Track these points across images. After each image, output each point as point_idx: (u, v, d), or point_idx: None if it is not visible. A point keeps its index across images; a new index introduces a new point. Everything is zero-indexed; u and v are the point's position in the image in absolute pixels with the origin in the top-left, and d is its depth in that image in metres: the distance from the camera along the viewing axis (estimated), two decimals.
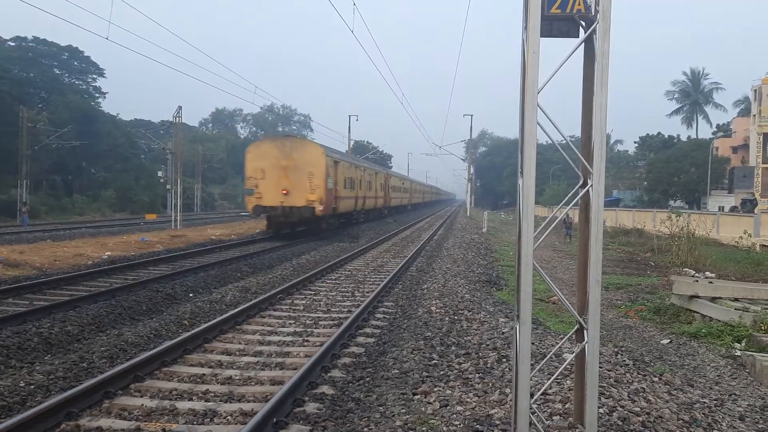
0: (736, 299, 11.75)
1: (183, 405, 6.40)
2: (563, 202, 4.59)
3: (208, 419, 6.10)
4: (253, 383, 7.24)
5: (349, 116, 66.70)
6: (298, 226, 28.27)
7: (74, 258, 18.80)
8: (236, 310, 10.61)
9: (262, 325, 10.33)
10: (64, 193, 55.54)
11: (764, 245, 25.36)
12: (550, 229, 4.82)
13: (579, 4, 4.08)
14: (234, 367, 7.89)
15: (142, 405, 6.36)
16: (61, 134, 50.66)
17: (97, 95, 69.56)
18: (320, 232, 28.13)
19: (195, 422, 6.01)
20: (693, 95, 74.13)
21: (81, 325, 9.86)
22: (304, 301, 12.54)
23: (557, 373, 4.97)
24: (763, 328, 9.95)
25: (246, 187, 26.93)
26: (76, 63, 67.76)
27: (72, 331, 9.51)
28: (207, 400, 6.59)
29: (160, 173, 51.07)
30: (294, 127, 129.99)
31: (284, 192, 25.93)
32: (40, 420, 5.63)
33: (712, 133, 73.69)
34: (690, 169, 58.28)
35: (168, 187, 42.55)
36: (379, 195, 44.17)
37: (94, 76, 70.10)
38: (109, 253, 20.48)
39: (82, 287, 13.71)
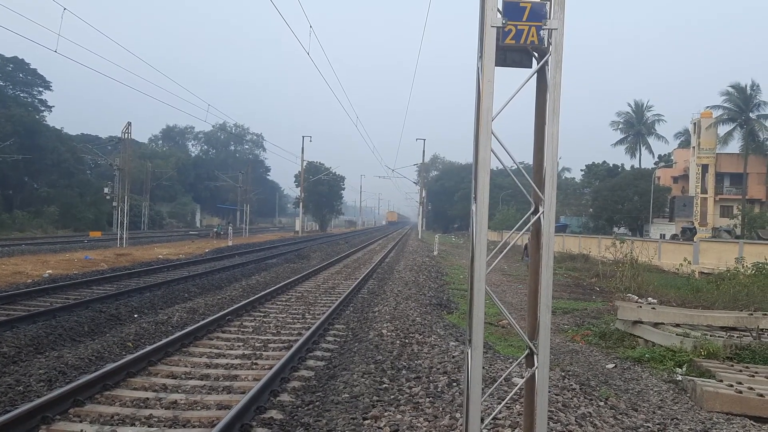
0: (677, 325, 12.08)
1: (125, 431, 6.18)
2: (515, 227, 4.66)
3: None
4: (199, 408, 7.05)
5: (303, 137, 67.54)
6: (392, 223, 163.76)
7: (13, 276, 18.09)
8: (183, 332, 10.36)
9: (210, 348, 10.10)
10: (3, 208, 53.45)
11: (703, 272, 26.24)
12: (502, 254, 4.88)
13: (532, 36, 4.17)
14: (180, 390, 7.68)
15: (82, 431, 6.11)
16: (2, 148, 48.94)
17: (42, 109, 67.69)
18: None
19: None
20: (636, 126, 76.38)
21: (18, 346, 9.44)
22: (253, 323, 12.34)
23: (508, 397, 5.00)
24: (702, 353, 10.26)
25: (387, 216, 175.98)
26: (21, 75, 65.91)
27: (8, 352, 9.09)
28: (150, 426, 6.38)
29: (106, 190, 49.90)
30: (246, 147, 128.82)
31: (390, 218, 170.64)
32: None
33: (654, 163, 76.17)
34: (633, 198, 60.11)
35: (114, 204, 41.58)
36: (396, 218, 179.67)
37: (40, 89, 68.26)
38: (51, 271, 19.78)
39: (21, 306, 13.17)
